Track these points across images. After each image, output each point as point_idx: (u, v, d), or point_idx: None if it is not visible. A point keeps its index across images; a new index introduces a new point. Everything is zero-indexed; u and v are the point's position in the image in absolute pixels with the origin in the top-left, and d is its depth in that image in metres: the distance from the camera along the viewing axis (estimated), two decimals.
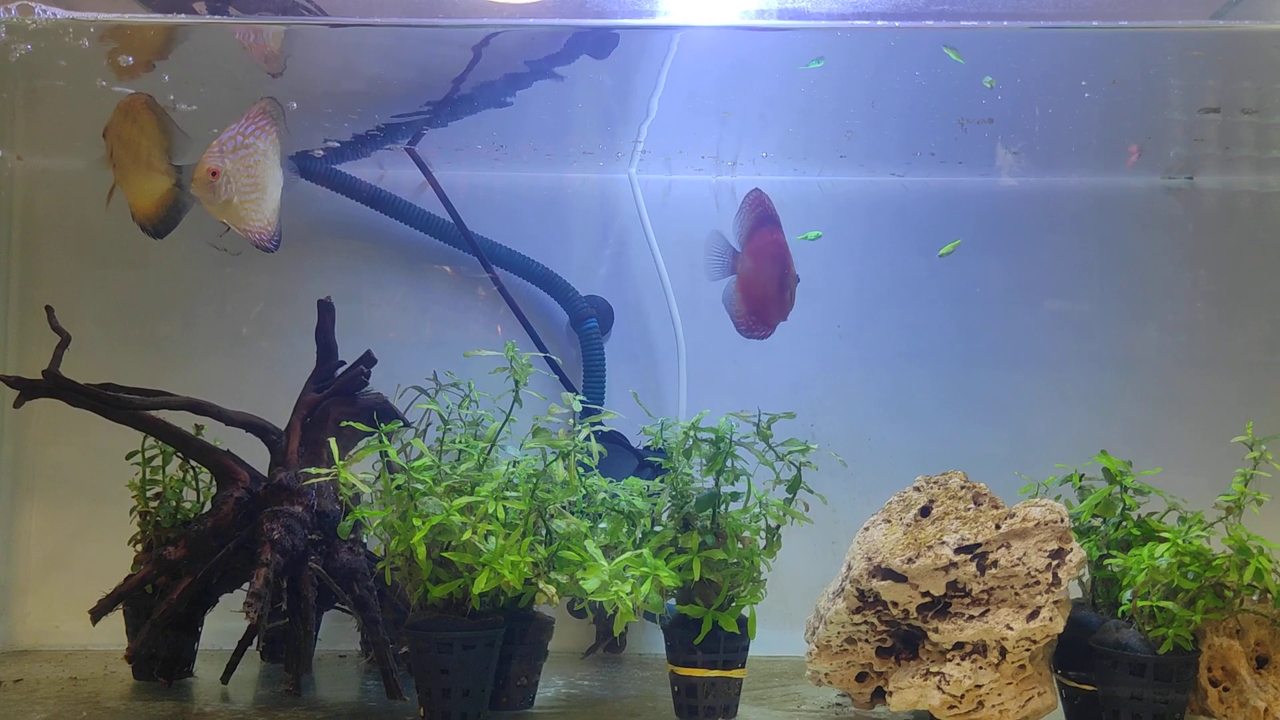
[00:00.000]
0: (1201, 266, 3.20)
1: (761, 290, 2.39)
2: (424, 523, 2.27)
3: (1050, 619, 2.25)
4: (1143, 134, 3.00)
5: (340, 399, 2.67)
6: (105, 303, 3.16)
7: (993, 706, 2.28)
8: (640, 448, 2.97)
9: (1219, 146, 3.05)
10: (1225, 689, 2.26)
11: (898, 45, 2.58)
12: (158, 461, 2.79)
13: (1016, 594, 2.28)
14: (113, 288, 3.16)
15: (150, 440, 2.75)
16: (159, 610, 2.48)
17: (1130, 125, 2.97)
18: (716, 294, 3.21)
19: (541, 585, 2.31)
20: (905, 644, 2.40)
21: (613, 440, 2.94)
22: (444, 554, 2.31)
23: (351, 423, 2.49)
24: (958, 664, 2.30)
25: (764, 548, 2.43)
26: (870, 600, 2.37)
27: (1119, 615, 2.32)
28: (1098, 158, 3.16)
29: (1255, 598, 2.27)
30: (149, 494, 2.77)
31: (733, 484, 2.41)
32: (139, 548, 2.76)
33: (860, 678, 2.45)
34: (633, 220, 3.21)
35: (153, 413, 2.62)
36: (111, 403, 2.55)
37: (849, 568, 2.44)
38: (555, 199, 3.26)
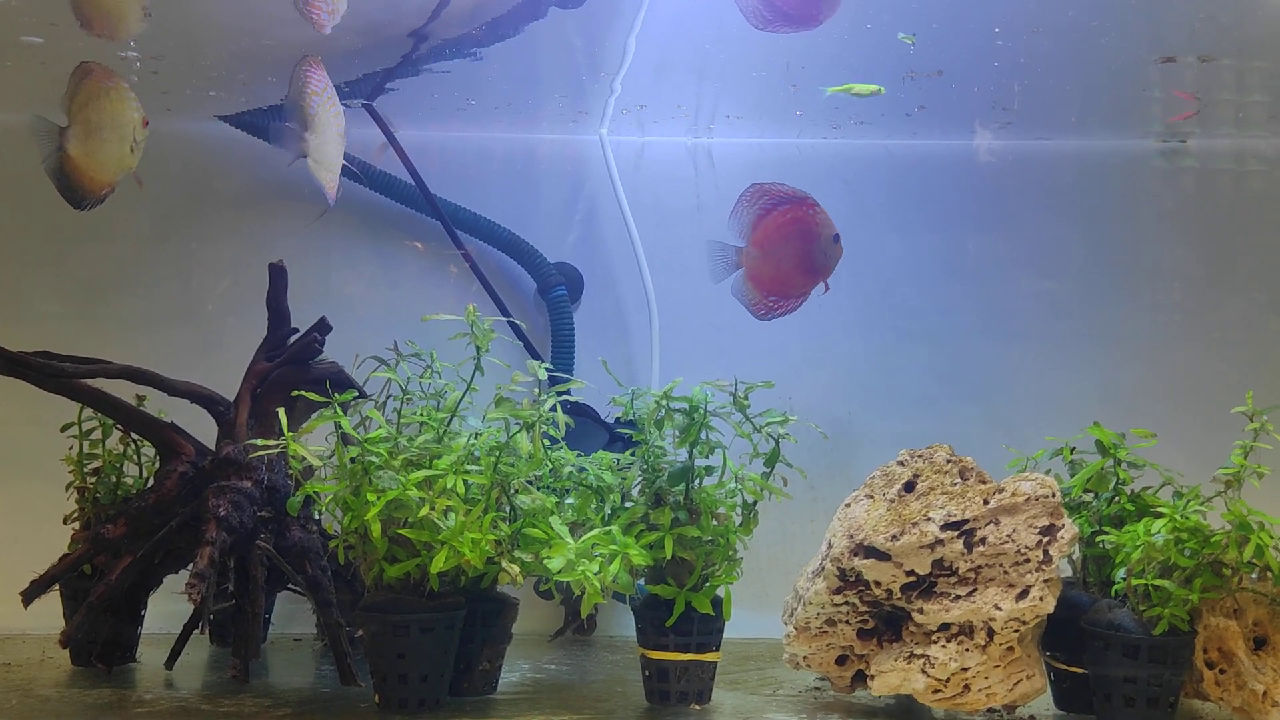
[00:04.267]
0: (1192, 237, 3.10)
1: (775, 269, 2.48)
2: (378, 498, 2.14)
3: (1040, 598, 2.14)
4: (1101, 88, 2.84)
5: (293, 368, 2.53)
6: (65, 276, 3.01)
7: (979, 690, 2.18)
8: (610, 421, 2.84)
9: (1201, 103, 2.90)
10: (1222, 671, 2.17)
11: None
12: (97, 434, 2.63)
13: (1005, 572, 2.17)
14: (73, 261, 3.02)
15: (89, 412, 2.59)
16: (96, 592, 2.33)
17: (1090, 77, 2.80)
18: (690, 261, 3.11)
19: (504, 565, 2.18)
20: (888, 625, 2.29)
21: (582, 413, 2.82)
22: (400, 531, 2.17)
23: (304, 393, 2.34)
24: (943, 646, 2.19)
25: (740, 525, 2.31)
26: (852, 580, 2.26)
27: (1112, 595, 2.23)
28: (1051, 117, 3.02)
29: (1255, 576, 2.18)
30: (87, 469, 2.62)
31: (707, 457, 2.29)
32: (77, 526, 2.61)
33: (840, 661, 2.34)
34: (604, 184, 3.08)
35: (91, 382, 2.46)
36: (42, 370, 2.39)
37: (829, 546, 2.33)
38: (523, 161, 3.13)
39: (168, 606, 2.56)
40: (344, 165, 2.35)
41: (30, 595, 2.34)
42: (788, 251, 2.47)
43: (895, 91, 2.79)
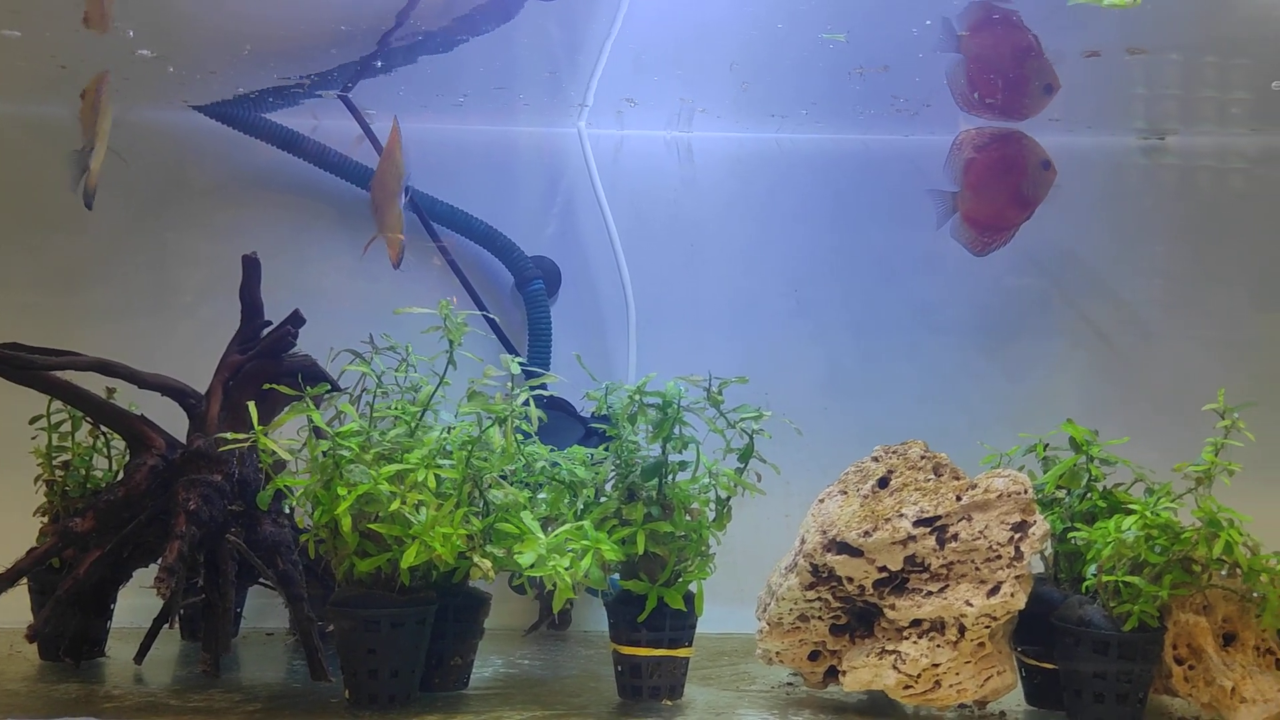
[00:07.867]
0: (1174, 234, 3.11)
1: (988, 207, 2.65)
2: (349, 492, 2.12)
3: (1011, 595, 2.14)
4: (1080, 84, 2.82)
5: (266, 361, 2.50)
6: (39, 266, 2.99)
7: (950, 686, 2.18)
8: (587, 415, 2.83)
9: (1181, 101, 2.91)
10: (1191, 667, 2.17)
11: None
12: (66, 427, 2.61)
13: (977, 569, 2.17)
14: (45, 251, 2.99)
15: (58, 404, 2.57)
16: (64, 585, 2.31)
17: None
18: (669, 257, 3.11)
19: (476, 559, 2.17)
20: (860, 621, 2.29)
21: (558, 408, 2.80)
22: (371, 525, 2.16)
23: (276, 386, 2.33)
24: (914, 642, 2.19)
25: (713, 520, 2.31)
26: (824, 576, 2.26)
27: (1082, 591, 2.23)
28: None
29: (1224, 572, 2.18)
30: (56, 461, 2.59)
31: (680, 452, 2.28)
32: (45, 519, 2.59)
33: (813, 656, 2.34)
34: (582, 177, 3.06)
35: (61, 374, 2.44)
36: (10, 362, 2.36)
37: (802, 541, 2.33)
38: (500, 154, 3.11)
39: (137, 601, 2.53)
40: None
41: None
42: (997, 188, 2.60)
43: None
